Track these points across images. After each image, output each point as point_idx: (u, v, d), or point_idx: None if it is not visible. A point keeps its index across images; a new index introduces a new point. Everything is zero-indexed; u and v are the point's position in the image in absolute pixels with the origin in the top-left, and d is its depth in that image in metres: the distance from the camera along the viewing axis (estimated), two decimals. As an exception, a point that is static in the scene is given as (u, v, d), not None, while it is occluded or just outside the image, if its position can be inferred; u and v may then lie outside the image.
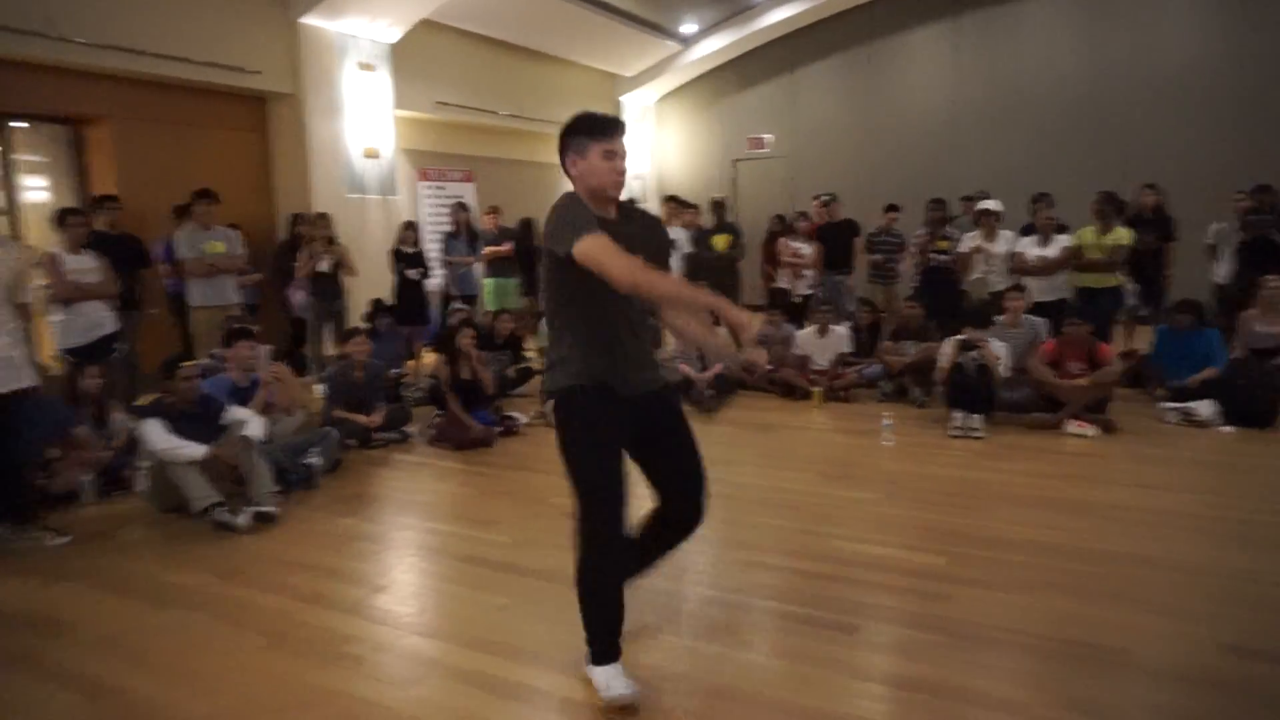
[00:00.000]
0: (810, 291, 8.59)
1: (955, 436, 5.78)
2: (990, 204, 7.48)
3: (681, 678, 2.78)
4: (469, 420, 5.88)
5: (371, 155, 9.13)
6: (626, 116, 13.78)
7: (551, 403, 2.69)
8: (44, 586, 3.63)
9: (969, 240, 7.40)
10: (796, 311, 8.35)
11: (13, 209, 7.50)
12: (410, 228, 8.27)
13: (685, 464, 2.83)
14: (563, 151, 2.65)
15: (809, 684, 2.72)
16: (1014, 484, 4.80)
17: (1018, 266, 7.09)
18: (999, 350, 6.08)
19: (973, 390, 5.95)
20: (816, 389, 6.95)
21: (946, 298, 7.50)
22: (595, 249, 2.39)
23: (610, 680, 2.61)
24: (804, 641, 3.01)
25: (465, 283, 8.77)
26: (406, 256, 8.10)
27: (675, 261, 8.40)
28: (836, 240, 8.61)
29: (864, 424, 6.21)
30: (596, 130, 2.61)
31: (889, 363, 7.01)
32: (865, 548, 3.86)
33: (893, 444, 5.63)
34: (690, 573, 3.72)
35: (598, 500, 2.59)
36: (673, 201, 8.87)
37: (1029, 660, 2.86)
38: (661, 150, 14.54)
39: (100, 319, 5.54)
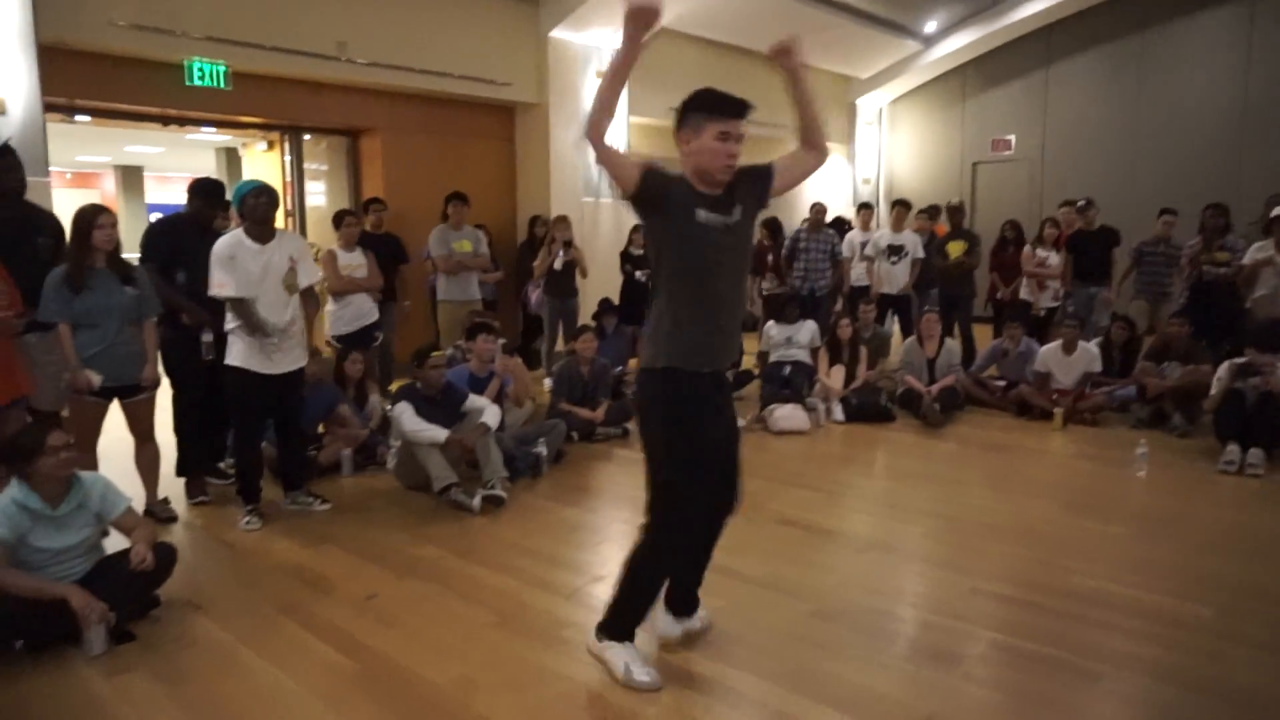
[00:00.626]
0: (1054, 304, 7.93)
1: (1227, 472, 5.10)
2: (1285, 210, 6.54)
3: (894, 702, 2.64)
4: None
5: (606, 161, 9.50)
6: (859, 119, 13.42)
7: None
8: (311, 546, 4.07)
9: (1257, 251, 6.51)
10: (1039, 325, 7.74)
11: (300, 212, 8.53)
12: (639, 230, 8.50)
13: (733, 447, 2.78)
14: (678, 124, 2.57)
15: (1042, 730, 2.50)
16: (1302, 532, 4.17)
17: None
18: (1288, 377, 5.30)
19: (1252, 421, 5.23)
20: (1058, 409, 6.40)
21: (1222, 315, 6.65)
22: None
23: (631, 663, 2.65)
24: (1036, 681, 2.77)
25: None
26: (634, 258, 8.35)
27: (901, 267, 8.08)
28: (1091, 249, 7.87)
29: (1113, 451, 5.64)
30: (716, 109, 2.51)
31: (1147, 385, 6.31)
32: (1112, 587, 3.49)
33: (1145, 475, 5.07)
34: (908, 594, 3.55)
35: (682, 490, 2.53)
36: (902, 206, 8.50)
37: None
38: (893, 153, 14.00)
39: (365, 310, 6.14)
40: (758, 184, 2.70)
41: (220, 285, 4.06)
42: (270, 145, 8.73)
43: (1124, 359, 6.80)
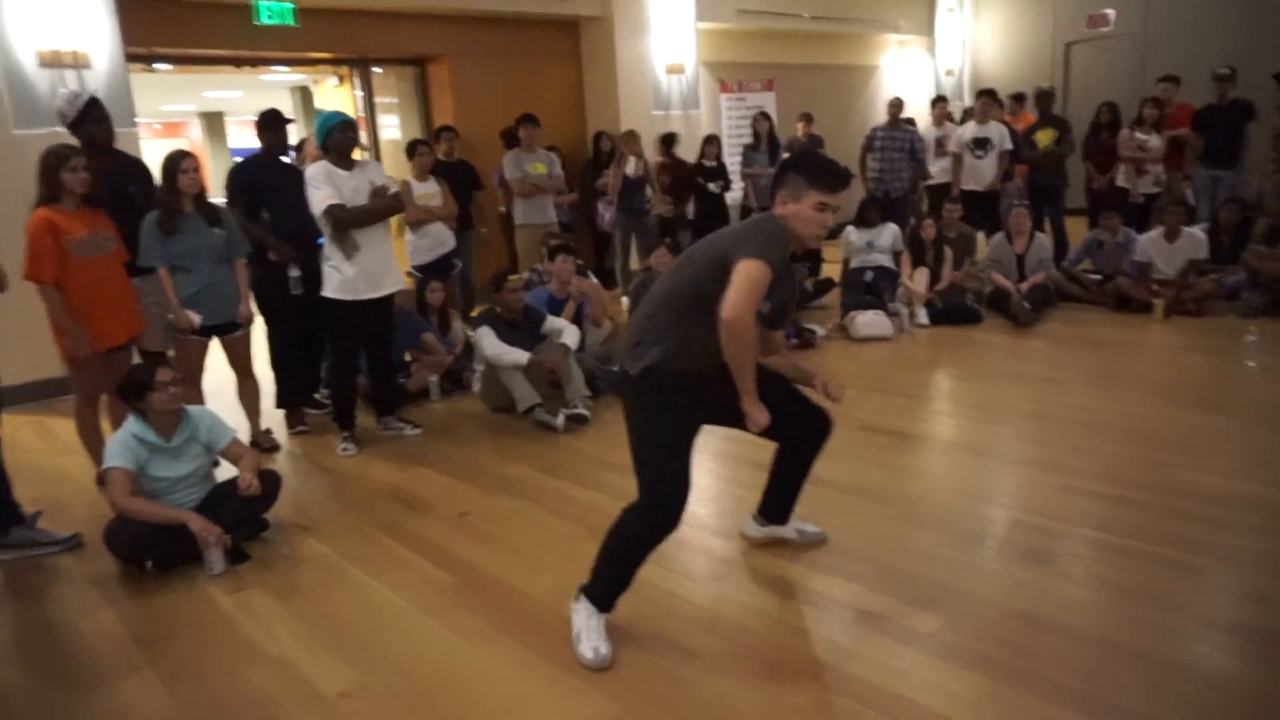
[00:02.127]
0: (1155, 190, 7.46)
1: (1348, 358, 4.80)
2: None
3: (985, 601, 2.63)
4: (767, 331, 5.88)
5: (675, 70, 9.25)
6: (939, 6, 12.65)
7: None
8: (406, 470, 4.24)
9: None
10: (1139, 214, 7.30)
11: (375, 145, 8.62)
12: (711, 141, 8.31)
13: (790, 392, 2.88)
14: (779, 182, 2.57)
15: (1139, 623, 2.45)
16: None
17: None
18: None
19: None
20: (1159, 300, 6.08)
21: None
22: (753, 285, 2.35)
23: (586, 633, 2.53)
24: (1134, 576, 2.70)
25: (765, 196, 8.69)
26: (706, 171, 8.18)
27: (988, 161, 7.68)
28: (1221, 127, 7.28)
29: (1221, 341, 5.36)
30: (821, 181, 2.49)
31: (1260, 269, 5.92)
32: (1221, 481, 3.35)
33: (1256, 365, 4.79)
34: (998, 495, 3.49)
35: (671, 481, 2.49)
36: (988, 96, 8.03)
37: None
38: (978, 41, 13.19)
39: (443, 238, 6.21)
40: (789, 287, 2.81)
41: (327, 198, 4.11)
42: (341, 80, 8.80)
43: (1235, 243, 6.37)
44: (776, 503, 3.09)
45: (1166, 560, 2.79)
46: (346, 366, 4.55)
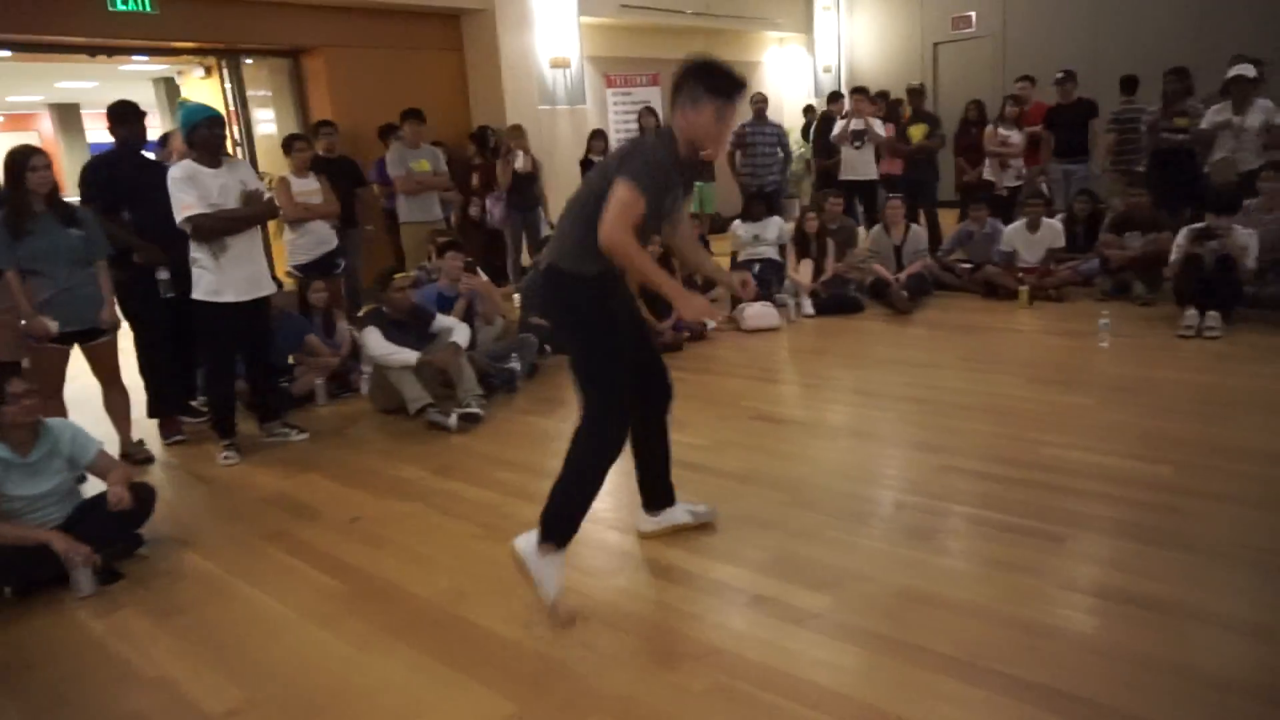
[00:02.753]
0: (1018, 183, 7.91)
1: (1186, 337, 5.21)
2: (1244, 69, 6.46)
3: (870, 580, 2.74)
4: (657, 325, 5.95)
5: (560, 65, 9.21)
6: (816, 5, 13.04)
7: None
8: (292, 476, 4.10)
9: (1214, 114, 6.48)
10: (1003, 205, 7.73)
11: (249, 141, 8.25)
12: (598, 136, 8.33)
13: (648, 340, 3.02)
14: (676, 90, 2.59)
15: (1012, 591, 2.61)
16: (1256, 389, 4.30)
17: (1275, 141, 6.16)
18: (1245, 239, 5.37)
19: (1211, 285, 5.31)
20: (1023, 288, 6.46)
21: (1182, 182, 6.67)
22: (625, 212, 2.44)
23: (551, 573, 2.59)
24: (1007, 549, 2.88)
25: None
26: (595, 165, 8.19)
27: (866, 152, 7.96)
28: (1069, 123, 7.77)
29: (1078, 324, 5.74)
30: (717, 89, 2.53)
31: (1110, 257, 6.38)
32: (1079, 455, 3.60)
33: (1108, 345, 5.17)
34: (881, 476, 3.64)
35: (614, 380, 2.64)
36: (860, 92, 8.33)
37: (1266, 579, 2.59)
38: (853, 39, 13.66)
39: (325, 236, 5.99)
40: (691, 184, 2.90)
41: (187, 207, 3.95)
42: (208, 71, 8.39)
43: (1088, 233, 6.83)
44: (654, 486, 3.12)
45: (1034, 531, 2.98)
46: (222, 371, 4.36)
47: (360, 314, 5.70)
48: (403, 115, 6.99)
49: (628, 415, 2.67)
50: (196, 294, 4.12)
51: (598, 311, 2.66)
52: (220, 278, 4.08)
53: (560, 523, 2.63)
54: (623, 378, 2.66)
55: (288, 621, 2.78)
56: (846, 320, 6.46)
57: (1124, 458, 3.54)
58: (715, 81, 2.53)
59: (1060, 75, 7.94)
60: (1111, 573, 2.70)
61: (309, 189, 5.90)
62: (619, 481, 3.77)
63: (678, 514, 3.16)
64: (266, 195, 4.18)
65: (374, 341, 4.71)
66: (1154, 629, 2.37)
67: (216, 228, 3.98)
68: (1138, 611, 2.46)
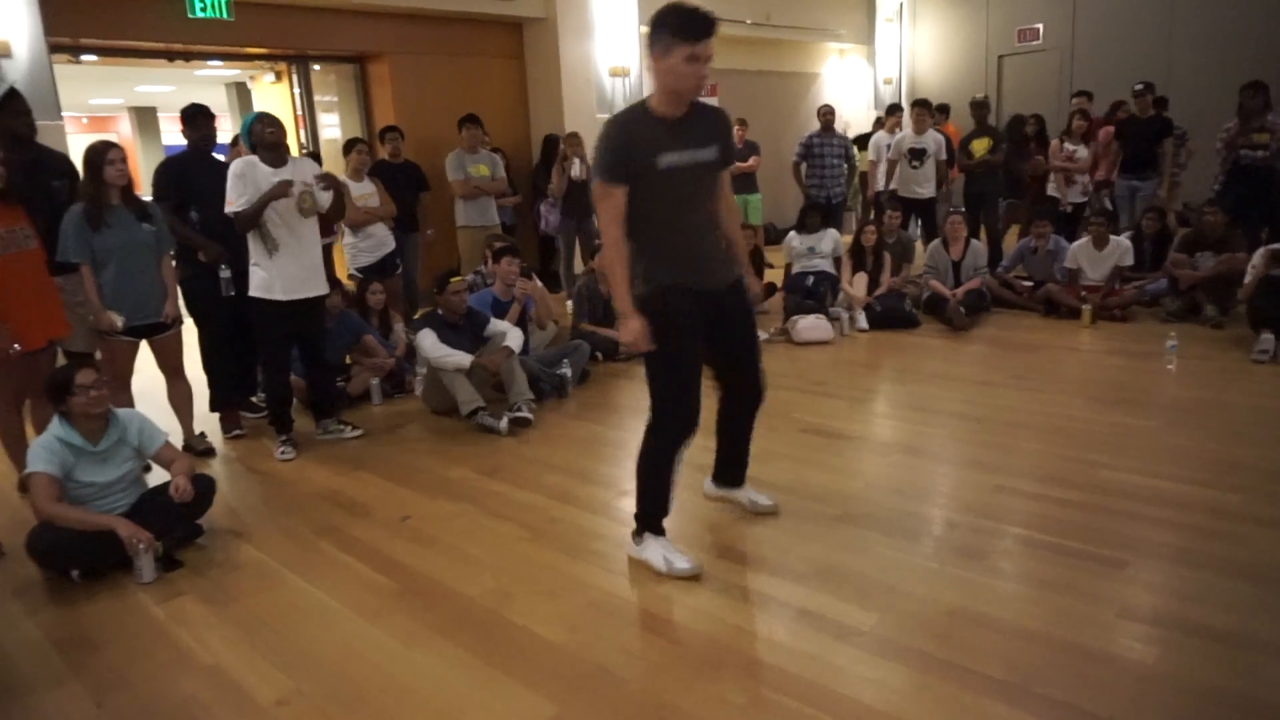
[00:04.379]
0: (1083, 199, 7.72)
1: (1260, 362, 5.02)
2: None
3: (920, 598, 2.69)
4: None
5: (619, 73, 9.27)
6: (879, 15, 12.90)
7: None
8: (345, 473, 4.17)
9: (1296, 131, 6.25)
10: (1067, 221, 7.56)
11: (315, 144, 8.46)
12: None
13: (751, 350, 3.02)
14: (650, 42, 2.63)
15: (1067, 615, 2.53)
16: (1336, 417, 4.12)
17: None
18: (1325, 261, 5.16)
19: (1287, 308, 5.12)
20: (1086, 306, 6.30)
21: (1260, 200, 6.45)
22: (602, 208, 2.65)
23: (668, 554, 2.90)
24: (1062, 572, 2.80)
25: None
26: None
27: (925, 171, 7.85)
28: (1140, 139, 7.56)
29: (1143, 345, 5.57)
30: (683, 31, 2.52)
31: (1179, 276, 6.18)
32: (1140, 479, 3.49)
33: (1175, 368, 5.00)
34: (933, 494, 3.58)
35: (673, 386, 2.80)
36: (923, 106, 8.22)
37: (1343, 616, 2.48)
38: (915, 51, 13.50)
39: (383, 239, 6.13)
40: (728, 145, 2.92)
41: (230, 202, 4.08)
42: (278, 76, 8.62)
43: (1156, 251, 6.63)
44: (724, 466, 3.33)
45: (1090, 555, 2.89)
46: (277, 367, 4.46)
47: (416, 316, 5.80)
48: (461, 121, 7.10)
49: (690, 414, 2.82)
50: (252, 291, 4.24)
51: (655, 325, 2.72)
52: (272, 275, 4.19)
53: (644, 516, 2.97)
54: (681, 381, 2.79)
55: (337, 615, 2.83)
56: (901, 335, 6.37)
57: (1188, 483, 3.43)
58: (681, 22, 2.51)
59: (1139, 87, 7.71)
60: (1172, 601, 2.61)
61: (366, 192, 6.03)
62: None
63: (740, 495, 3.35)
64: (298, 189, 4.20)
65: (429, 343, 4.78)
66: (1217, 660, 2.29)
67: (250, 215, 4.07)
68: (1199, 642, 2.37)
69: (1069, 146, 7.74)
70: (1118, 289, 6.43)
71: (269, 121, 4.18)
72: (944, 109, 8.96)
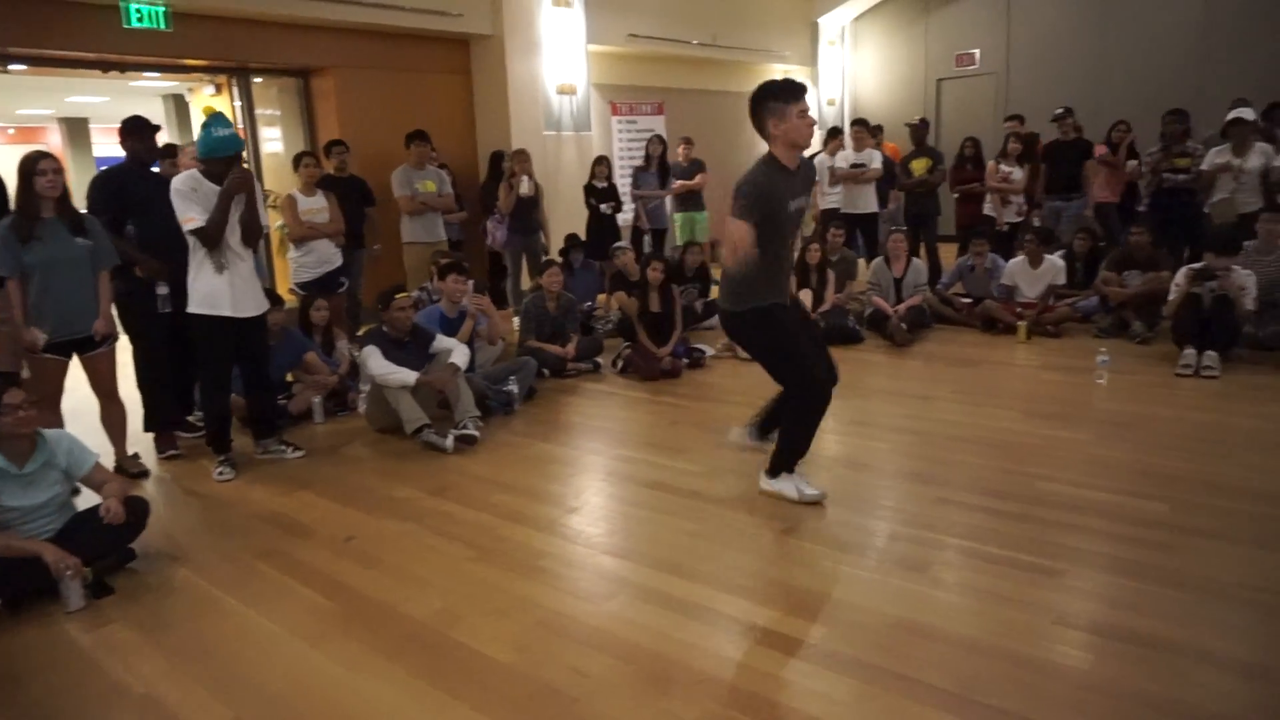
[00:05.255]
0: (1018, 219, 7.96)
1: (1184, 375, 5.23)
2: (1243, 112, 6.54)
3: (864, 610, 2.73)
4: (656, 352, 5.97)
5: (566, 91, 9.30)
6: (821, 39, 13.20)
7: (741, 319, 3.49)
8: (286, 494, 4.09)
9: (1215, 155, 6.55)
10: (1004, 241, 7.78)
11: (255, 158, 8.31)
12: (601, 162, 8.39)
13: (819, 340, 3.73)
14: (760, 115, 3.23)
15: (1006, 625, 2.60)
16: (1252, 429, 4.30)
17: (1274, 183, 6.22)
18: (1244, 280, 5.40)
19: (1209, 325, 5.34)
20: (1022, 323, 6.49)
21: (1182, 222, 6.73)
22: (736, 232, 3.06)
23: (800, 485, 3.58)
24: (1001, 583, 2.87)
25: (655, 217, 8.84)
26: (599, 191, 8.25)
27: (866, 186, 8.04)
28: (1066, 161, 7.84)
29: (1076, 360, 5.75)
30: (792, 95, 3.18)
31: (1108, 294, 6.40)
32: (1075, 490, 3.60)
33: (1106, 382, 5.18)
34: (877, 507, 3.63)
35: (801, 361, 3.43)
36: (862, 125, 8.42)
37: (1260, 618, 2.59)
38: (857, 73, 13.82)
39: (328, 255, 6.03)
40: (809, 182, 3.56)
41: (190, 220, 3.98)
42: (218, 89, 8.46)
43: (1088, 270, 6.87)
44: (772, 421, 3.77)
45: (1028, 565, 2.97)
46: (217, 385, 4.36)
47: (361, 333, 5.72)
48: (408, 137, 7.05)
49: (820, 384, 3.47)
50: (194, 307, 4.13)
51: (767, 333, 3.44)
52: (218, 291, 4.09)
53: (782, 459, 3.60)
54: (806, 365, 3.43)
55: (279, 640, 2.76)
56: (844, 351, 6.46)
57: (1119, 494, 3.54)
58: (786, 88, 3.20)
59: (1059, 112, 8.02)
60: (1106, 609, 2.69)
61: (316, 207, 5.94)
62: (613, 507, 3.79)
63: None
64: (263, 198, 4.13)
65: (373, 361, 4.72)
66: (1148, 666, 2.36)
67: (216, 221, 3.99)
68: (1132, 649, 2.45)
69: (1004, 168, 7.98)
70: (1052, 306, 6.63)
71: (237, 162, 4.13)
72: (879, 129, 9.18)
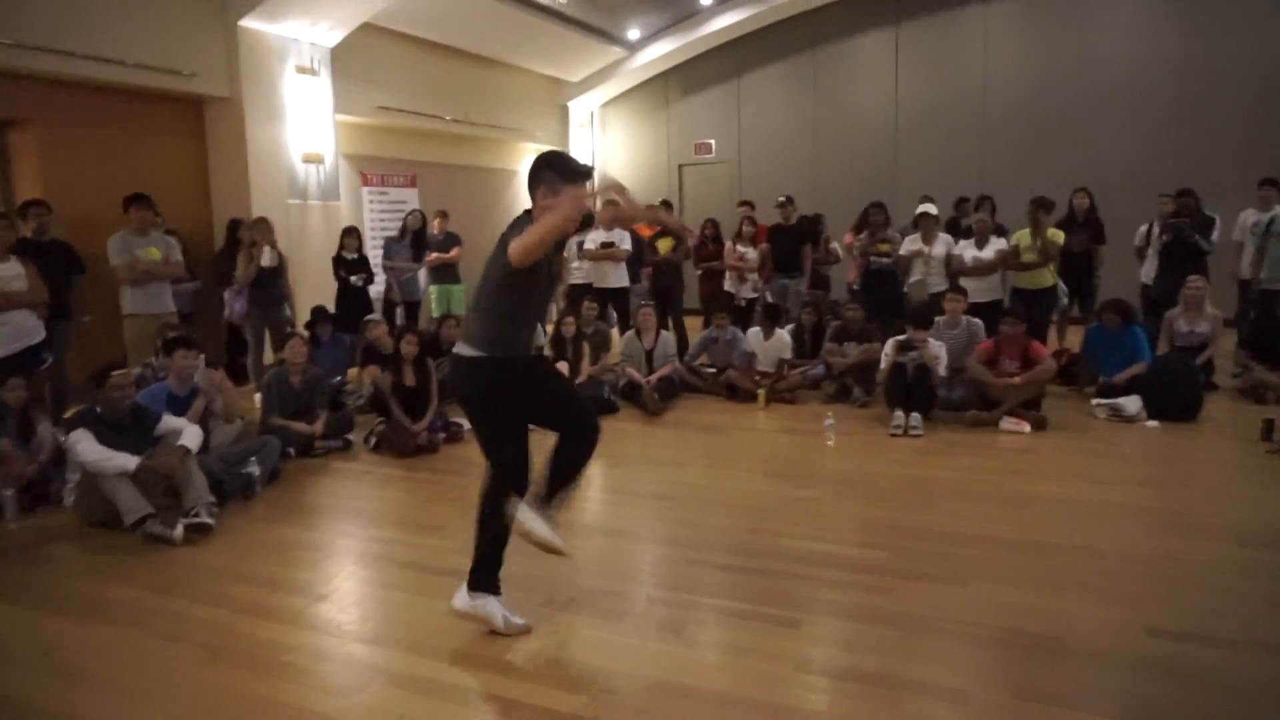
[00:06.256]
0: (754, 295, 8.67)
1: (895, 435, 5.89)
2: (928, 208, 7.65)
3: (624, 675, 2.79)
4: (411, 427, 5.81)
5: (313, 160, 8.99)
6: (572, 121, 13.80)
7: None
8: (-33, 605, 3.50)
9: (909, 243, 7.56)
10: (742, 315, 8.42)
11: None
12: (351, 233, 8.15)
13: (567, 394, 3.37)
14: (535, 180, 2.98)
15: (754, 676, 2.75)
16: (953, 480, 4.91)
17: (956, 269, 7.28)
18: (937, 350, 6.22)
19: (912, 389, 6.08)
20: (761, 390, 7.03)
21: (888, 300, 7.65)
22: (521, 239, 2.79)
23: (507, 614, 3.08)
24: (748, 637, 3.04)
25: (408, 289, 8.69)
26: (348, 263, 7.99)
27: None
28: (787, 243, 8.67)
29: (808, 424, 6.30)
30: (571, 176, 2.97)
31: (832, 364, 7.12)
32: (809, 544, 3.91)
33: (834, 443, 5.72)
34: (636, 573, 3.74)
35: (512, 444, 3.09)
36: (610, 204, 8.84)
37: (970, 649, 2.94)
38: (606, 155, 14.56)
39: (27, 328, 5.34)
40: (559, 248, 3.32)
41: None
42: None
43: (814, 341, 7.59)
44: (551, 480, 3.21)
45: (772, 617, 3.18)
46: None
47: (68, 415, 5.08)
48: (126, 200, 6.42)
49: (519, 473, 3.09)
50: None
51: (490, 395, 3.01)
52: None
53: (482, 572, 3.10)
54: (509, 449, 3.07)
55: (-49, 781, 2.34)
56: (601, 421, 6.63)
57: (846, 544, 3.90)
58: (566, 168, 2.99)
59: (782, 200, 8.89)
60: (839, 652, 2.94)
61: (10, 274, 5.28)
62: (366, 591, 3.61)
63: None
64: None
65: (85, 446, 4.20)
66: (873, 702, 2.60)
67: None
68: (860, 687, 2.69)
69: (740, 249, 8.69)
70: (785, 374, 7.25)
71: None
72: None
